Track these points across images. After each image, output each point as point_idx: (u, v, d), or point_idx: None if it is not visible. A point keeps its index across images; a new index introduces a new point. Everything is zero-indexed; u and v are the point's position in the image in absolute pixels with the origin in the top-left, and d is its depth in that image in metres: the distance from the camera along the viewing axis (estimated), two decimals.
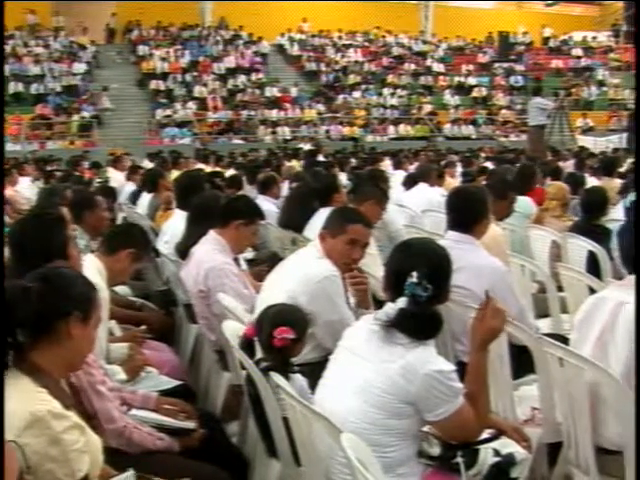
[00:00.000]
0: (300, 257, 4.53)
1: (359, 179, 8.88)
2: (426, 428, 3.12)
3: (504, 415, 4.01)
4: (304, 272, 4.27)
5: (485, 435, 3.20)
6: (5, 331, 2.39)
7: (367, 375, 2.98)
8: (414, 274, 3.01)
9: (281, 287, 4.28)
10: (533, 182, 8.65)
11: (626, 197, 6.38)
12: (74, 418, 2.47)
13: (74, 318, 2.52)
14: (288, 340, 3.40)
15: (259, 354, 3.50)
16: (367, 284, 4.54)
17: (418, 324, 3.00)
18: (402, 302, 3.03)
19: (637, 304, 3.39)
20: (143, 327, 4.93)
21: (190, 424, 3.66)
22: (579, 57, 40.83)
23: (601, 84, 38.67)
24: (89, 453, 2.47)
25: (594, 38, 42.19)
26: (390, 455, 2.96)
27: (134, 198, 10.49)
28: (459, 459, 3.03)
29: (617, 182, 10.02)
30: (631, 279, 3.60)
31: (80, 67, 32.45)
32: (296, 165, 15.52)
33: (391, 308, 3.05)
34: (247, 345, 3.55)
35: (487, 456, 3.06)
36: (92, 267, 4.28)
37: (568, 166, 15.01)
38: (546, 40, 42.05)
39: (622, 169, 12.00)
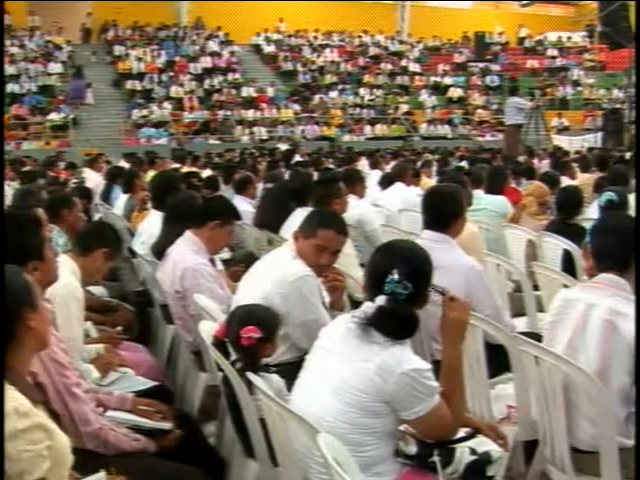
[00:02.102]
0: (275, 257, 4.52)
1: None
2: (403, 427, 3.13)
3: (480, 414, 4.03)
4: (279, 272, 4.26)
5: (461, 434, 3.21)
6: None
7: (343, 374, 2.99)
8: (395, 272, 3.02)
9: (256, 287, 4.27)
10: (504, 182, 8.68)
11: (601, 195, 6.39)
12: (40, 418, 2.44)
13: (27, 314, 2.51)
14: (254, 339, 3.40)
15: (235, 355, 3.50)
16: (343, 285, 4.54)
17: (395, 323, 3.01)
18: (381, 300, 3.04)
19: (637, 304, 3.41)
20: (119, 328, 4.91)
21: (166, 425, 3.64)
22: (554, 57, 41.08)
23: (576, 84, 38.91)
24: (51, 458, 2.43)
25: (569, 38, 42.42)
26: (367, 454, 2.96)
27: (106, 196, 10.49)
28: (435, 458, 3.04)
29: (592, 180, 10.07)
30: (608, 278, 3.60)
31: (56, 67, 32.25)
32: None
33: (369, 307, 3.06)
34: (220, 346, 3.55)
35: (463, 455, 3.07)
36: (66, 267, 4.25)
37: (544, 166, 15.07)
38: (522, 40, 42.24)
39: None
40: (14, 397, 2.39)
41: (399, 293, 3.02)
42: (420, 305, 3.23)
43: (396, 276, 3.03)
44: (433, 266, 3.28)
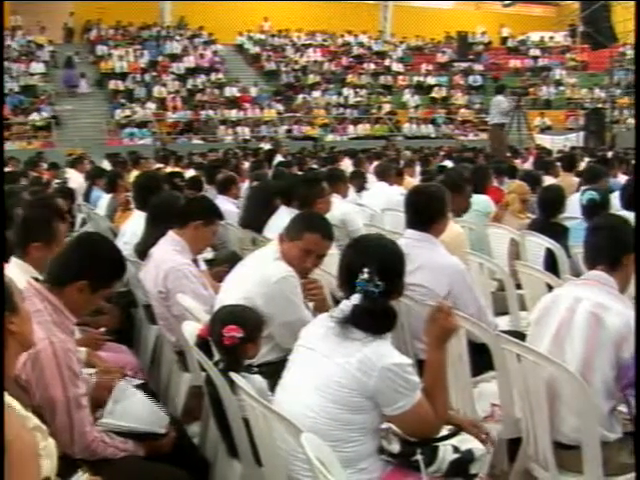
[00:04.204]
0: (258, 258, 4.52)
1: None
2: (386, 425, 3.13)
3: (464, 412, 4.04)
4: (261, 273, 4.26)
5: (444, 432, 3.21)
6: None
7: (326, 371, 2.99)
8: (365, 271, 3.02)
9: (239, 288, 4.27)
10: (488, 181, 8.71)
11: (583, 194, 6.42)
12: (35, 420, 2.45)
13: (7, 320, 2.48)
14: (236, 339, 3.40)
15: (218, 355, 3.50)
16: (322, 292, 4.55)
17: (372, 320, 3.01)
18: (356, 299, 3.04)
19: (637, 304, 3.45)
20: (102, 329, 4.89)
21: (160, 429, 3.61)
22: (537, 57, 41.23)
23: (558, 84, 39.06)
24: (48, 458, 2.44)
25: (551, 38, 42.57)
26: (351, 450, 2.96)
27: (87, 197, 10.46)
28: (418, 457, 3.04)
29: (575, 179, 10.12)
30: (597, 275, 3.66)
31: (38, 67, 32.11)
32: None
33: (346, 305, 3.06)
34: (204, 345, 3.55)
35: (446, 453, 3.07)
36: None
37: (528, 165, 15.14)
38: (504, 40, 42.37)
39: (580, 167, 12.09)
40: (8, 401, 2.38)
41: (371, 291, 3.03)
42: (395, 298, 3.25)
43: (366, 275, 3.03)
44: (404, 259, 3.29)
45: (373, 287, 3.01)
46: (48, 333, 3.18)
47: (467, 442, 3.17)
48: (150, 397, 3.58)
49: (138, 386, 3.71)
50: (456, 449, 3.10)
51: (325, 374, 2.99)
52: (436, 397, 3.10)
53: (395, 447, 3.08)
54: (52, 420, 3.18)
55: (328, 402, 2.96)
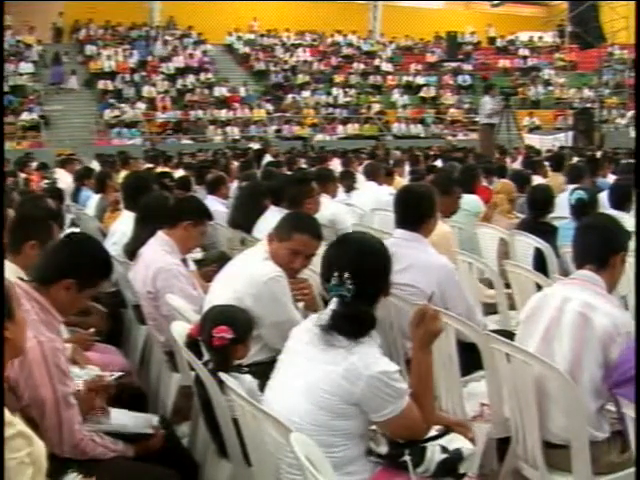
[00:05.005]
0: (246, 258, 4.51)
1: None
2: (373, 427, 3.13)
3: (453, 412, 4.05)
4: (249, 273, 4.26)
5: (432, 432, 3.21)
6: None
7: (311, 377, 2.97)
8: (335, 275, 3.00)
9: (228, 288, 4.26)
10: (477, 181, 8.73)
11: (572, 194, 6.44)
12: (20, 426, 2.43)
13: (3, 324, 2.47)
14: (226, 339, 3.39)
15: (207, 355, 3.50)
16: (312, 292, 4.55)
17: (348, 324, 2.98)
18: (333, 303, 3.04)
19: (637, 305, 3.46)
20: (91, 330, 4.88)
21: (148, 430, 3.61)
22: (526, 57, 41.31)
23: (547, 83, 39.18)
24: (33, 464, 2.42)
25: (540, 38, 42.70)
26: (338, 455, 2.95)
27: (75, 197, 10.44)
28: (407, 457, 3.03)
29: (564, 179, 10.14)
30: (585, 274, 3.69)
31: (27, 67, 32.00)
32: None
33: (325, 313, 3.06)
34: (193, 345, 3.54)
35: (434, 453, 3.06)
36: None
37: (517, 165, 15.16)
38: (492, 40, 42.44)
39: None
40: None
41: (344, 295, 3.00)
42: (373, 300, 3.14)
43: (335, 280, 3.00)
44: (385, 258, 3.20)
45: (345, 291, 2.98)
46: (36, 332, 3.17)
47: (455, 441, 3.16)
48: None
49: (118, 378, 3.74)
50: (444, 449, 3.09)
51: (311, 379, 2.97)
52: (423, 399, 3.08)
53: (383, 448, 3.08)
54: (41, 419, 3.18)
55: (314, 407, 2.94)
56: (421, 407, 3.05)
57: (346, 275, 2.99)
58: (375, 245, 3.26)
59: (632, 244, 4.68)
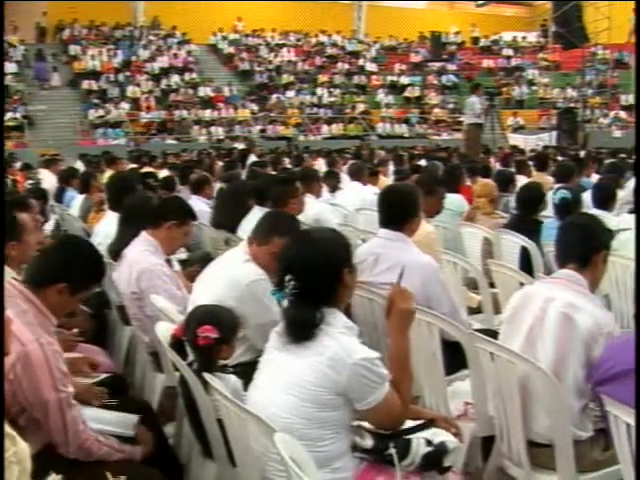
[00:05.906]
0: (227, 260, 4.52)
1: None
2: (356, 422, 3.13)
3: (437, 410, 4.05)
4: (231, 275, 4.27)
5: (415, 424, 3.21)
6: None
7: (297, 370, 2.97)
8: (286, 278, 3.00)
9: (210, 289, 4.26)
10: (460, 180, 8.75)
11: (556, 193, 6.46)
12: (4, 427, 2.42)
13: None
14: (211, 339, 3.38)
15: (192, 355, 3.49)
16: None
17: (290, 328, 3.02)
18: (284, 304, 3.06)
19: (637, 305, 3.48)
20: (75, 330, 4.86)
21: (128, 431, 3.59)
22: (509, 57, 41.43)
23: (531, 83, 39.31)
24: (19, 464, 2.42)
25: (524, 38, 42.85)
26: (325, 449, 2.95)
27: (59, 197, 10.41)
28: (392, 450, 3.04)
29: (549, 178, 10.18)
30: (567, 274, 3.71)
31: (11, 67, 31.86)
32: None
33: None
34: (178, 346, 3.53)
35: (419, 446, 3.06)
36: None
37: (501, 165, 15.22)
38: (476, 40, 42.55)
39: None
40: None
41: (290, 294, 3.00)
42: (321, 299, 3.04)
43: (276, 283, 3.04)
44: (320, 255, 3.08)
45: (291, 288, 2.98)
46: (36, 335, 3.17)
47: (440, 435, 3.17)
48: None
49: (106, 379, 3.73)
50: (429, 442, 3.09)
51: (296, 373, 2.97)
52: (402, 386, 3.09)
53: (368, 442, 3.07)
54: (45, 421, 3.20)
55: (300, 401, 2.94)
56: (400, 393, 3.05)
57: (287, 277, 2.99)
58: (318, 242, 3.18)
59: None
